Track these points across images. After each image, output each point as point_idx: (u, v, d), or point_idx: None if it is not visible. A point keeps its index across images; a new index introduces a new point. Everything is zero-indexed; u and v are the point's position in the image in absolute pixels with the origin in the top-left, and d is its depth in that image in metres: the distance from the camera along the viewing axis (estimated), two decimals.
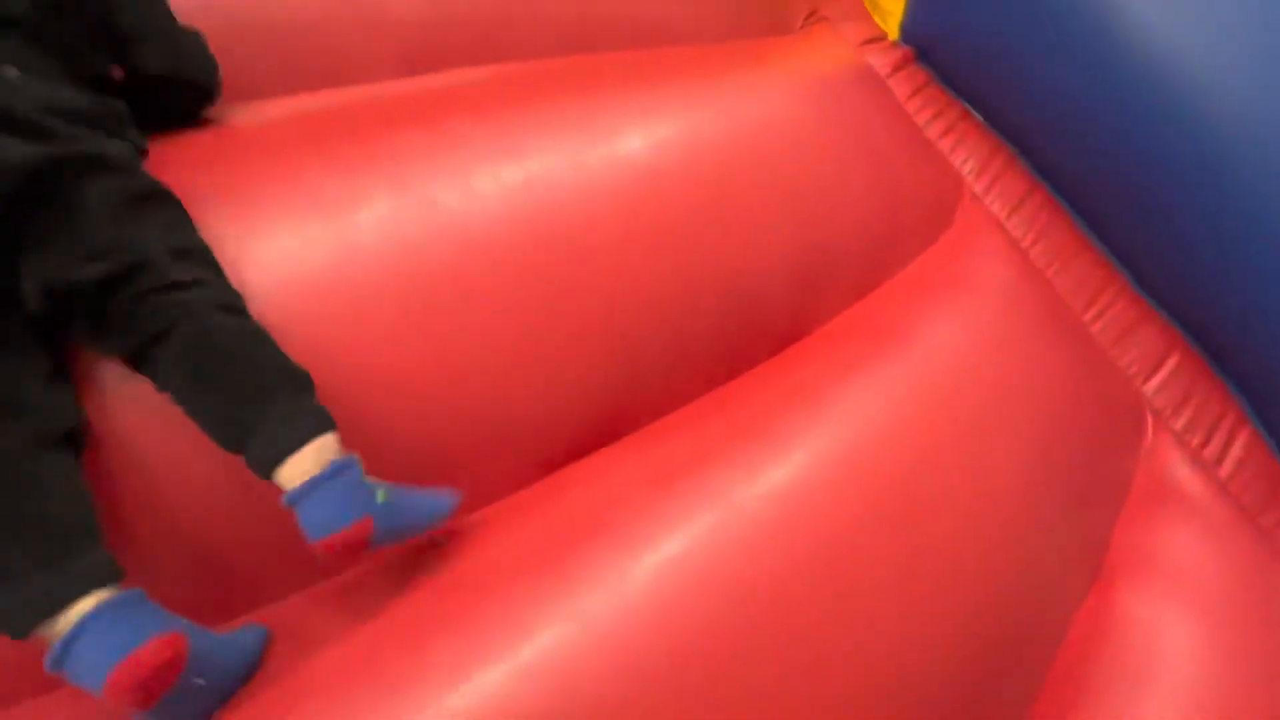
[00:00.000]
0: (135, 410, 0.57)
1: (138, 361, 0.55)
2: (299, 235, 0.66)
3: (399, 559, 0.61)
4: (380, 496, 0.54)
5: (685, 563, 0.61)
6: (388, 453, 0.61)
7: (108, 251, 0.52)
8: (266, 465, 0.53)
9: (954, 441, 0.78)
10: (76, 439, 0.53)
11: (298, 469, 0.53)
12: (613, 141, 0.82)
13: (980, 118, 1.18)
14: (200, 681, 0.50)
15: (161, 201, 0.57)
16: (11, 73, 0.53)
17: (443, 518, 0.59)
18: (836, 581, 0.67)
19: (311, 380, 0.56)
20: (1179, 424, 0.98)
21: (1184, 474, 0.93)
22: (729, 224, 0.85)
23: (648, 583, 0.60)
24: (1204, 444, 0.96)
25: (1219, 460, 0.95)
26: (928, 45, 1.25)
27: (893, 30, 1.27)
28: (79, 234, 0.52)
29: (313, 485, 0.52)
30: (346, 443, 0.55)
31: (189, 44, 0.70)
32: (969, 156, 1.11)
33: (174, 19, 0.69)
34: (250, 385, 0.54)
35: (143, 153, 0.62)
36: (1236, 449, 0.96)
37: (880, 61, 1.20)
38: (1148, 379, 0.99)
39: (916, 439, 0.76)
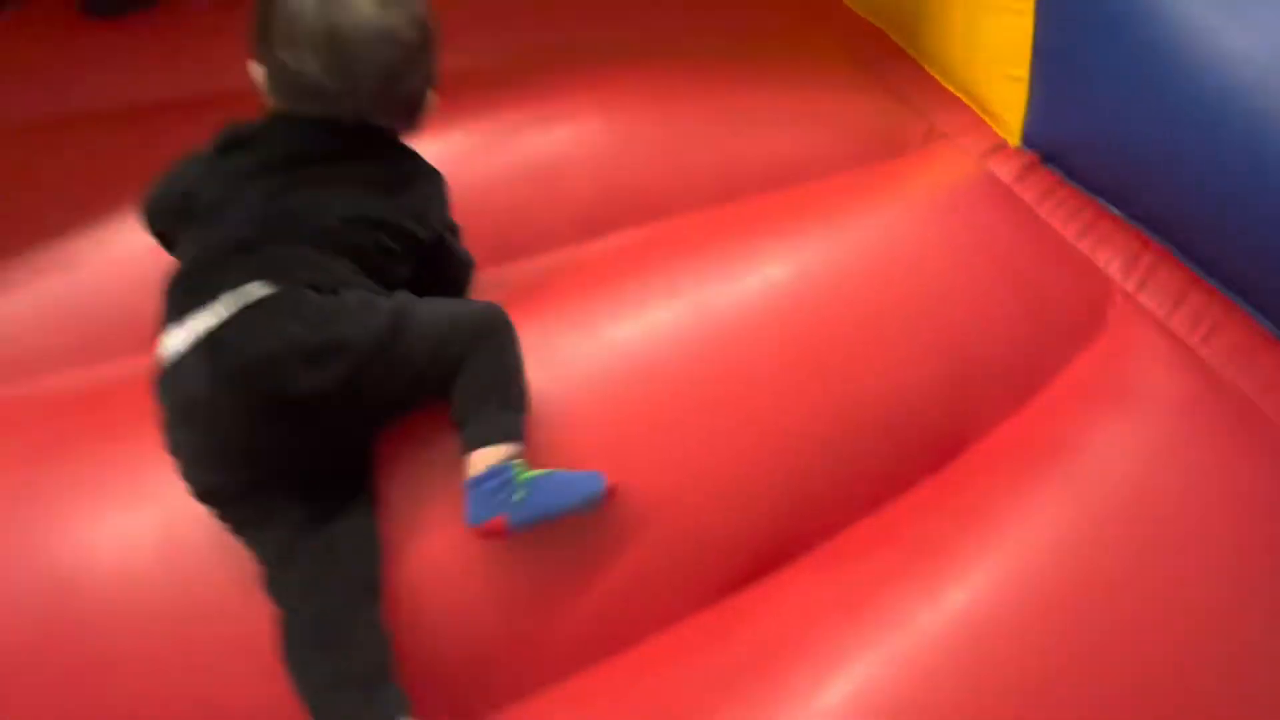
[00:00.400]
0: (410, 533, 0.69)
1: None
2: None
3: (615, 664, 0.68)
4: (518, 496, 0.65)
5: (877, 689, 0.63)
6: (586, 571, 0.70)
7: (431, 361, 0.67)
8: (463, 450, 0.67)
9: (1142, 559, 0.75)
10: (381, 583, 0.65)
11: (473, 464, 0.66)
12: (763, 277, 0.91)
13: (1121, 215, 1.17)
14: None
15: (419, 302, 0.70)
16: (260, 290, 0.63)
17: (595, 500, 0.69)
18: (1027, 705, 0.66)
19: (525, 405, 0.70)
20: None
21: None
22: (876, 345, 0.90)
23: (841, 710, 0.62)
24: None
25: None
26: (1053, 148, 1.27)
27: (1013, 136, 1.31)
28: (404, 368, 0.66)
29: (471, 484, 0.66)
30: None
31: (470, 273, 0.85)
32: (1114, 255, 1.10)
33: (466, 256, 0.83)
34: (489, 394, 0.68)
35: None
36: None
37: (1005, 169, 1.23)
38: None
39: (1100, 558, 0.74)
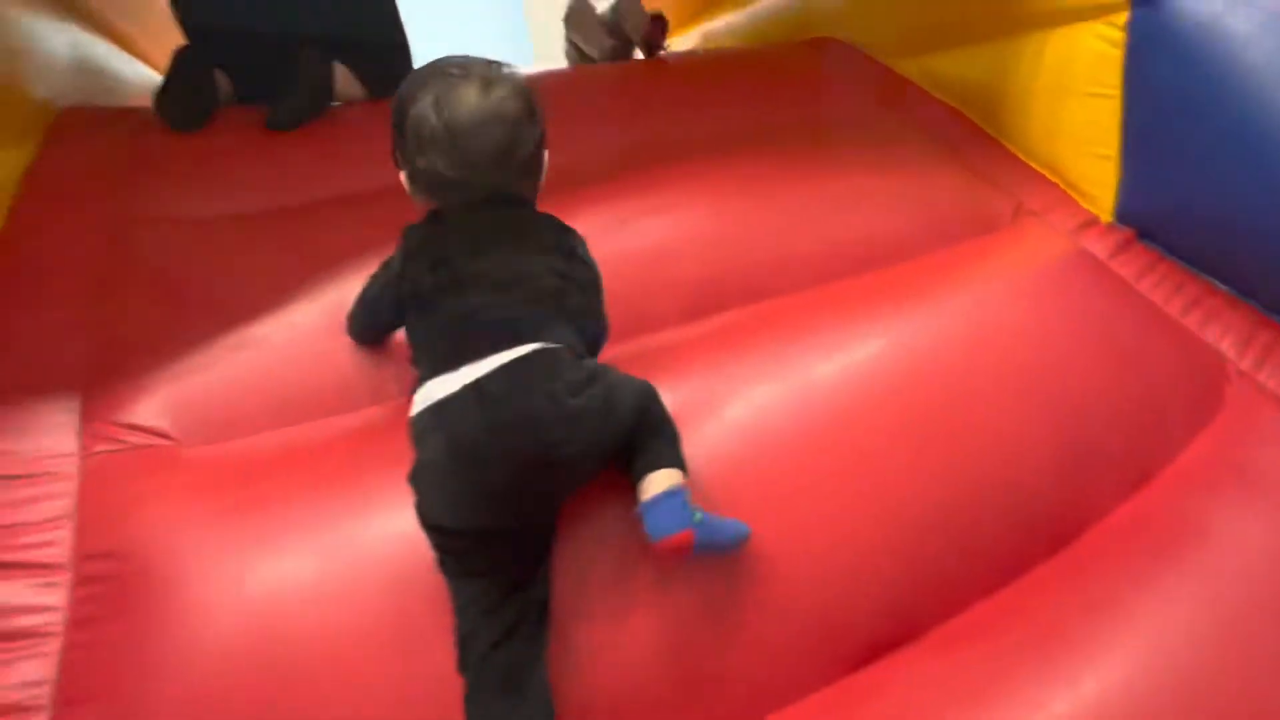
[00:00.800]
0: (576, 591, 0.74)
1: None
2: None
3: None
4: (698, 517, 0.70)
5: None
6: (713, 645, 0.73)
7: (629, 428, 0.73)
8: (636, 477, 0.72)
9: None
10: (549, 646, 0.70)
11: (648, 488, 0.71)
12: (870, 355, 0.95)
13: (1229, 291, 1.15)
14: None
15: (616, 373, 0.76)
16: (529, 348, 0.70)
17: (744, 541, 0.75)
18: None
19: (678, 438, 0.76)
20: None
21: None
22: (984, 421, 0.91)
23: None
24: None
25: None
26: (1150, 223, 1.26)
27: (1105, 213, 1.32)
28: (618, 433, 0.73)
29: (651, 503, 0.70)
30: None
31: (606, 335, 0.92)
32: (1225, 332, 1.09)
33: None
34: (660, 433, 0.75)
35: None
36: None
37: (1099, 246, 1.24)
38: None
39: (1236, 650, 0.72)
